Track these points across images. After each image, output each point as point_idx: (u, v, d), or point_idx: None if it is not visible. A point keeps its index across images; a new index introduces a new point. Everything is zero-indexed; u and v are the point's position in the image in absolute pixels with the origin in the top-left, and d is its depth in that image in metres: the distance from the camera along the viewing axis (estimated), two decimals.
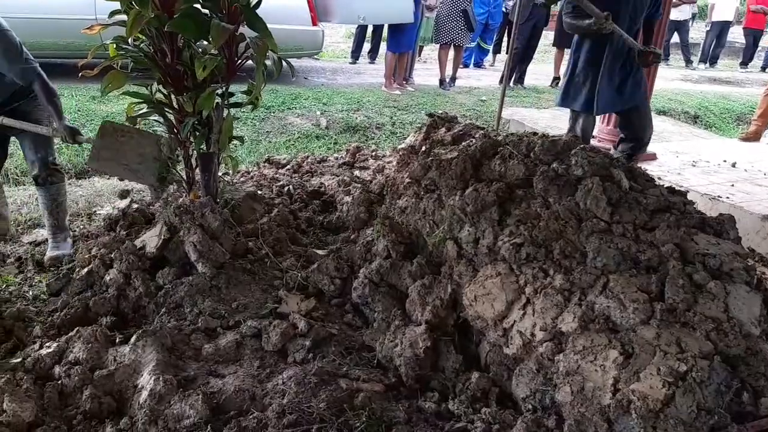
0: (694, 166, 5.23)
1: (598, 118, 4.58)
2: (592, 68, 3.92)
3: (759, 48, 15.21)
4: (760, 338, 1.94)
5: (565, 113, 6.82)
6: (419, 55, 11.94)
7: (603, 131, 5.49)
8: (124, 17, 2.66)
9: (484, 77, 10.74)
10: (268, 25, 2.72)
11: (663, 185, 2.65)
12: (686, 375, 1.76)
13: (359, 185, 3.76)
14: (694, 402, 1.72)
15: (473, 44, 11.55)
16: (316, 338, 2.40)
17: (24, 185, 4.42)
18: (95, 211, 3.94)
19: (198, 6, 2.72)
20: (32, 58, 3.02)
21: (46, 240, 3.37)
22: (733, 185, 4.62)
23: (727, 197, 4.28)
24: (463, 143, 3.04)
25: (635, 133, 4.17)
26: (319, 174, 4.47)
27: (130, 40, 2.84)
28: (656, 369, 1.79)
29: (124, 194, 3.40)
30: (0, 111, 3.15)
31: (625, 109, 4.09)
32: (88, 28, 3.06)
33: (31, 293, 2.87)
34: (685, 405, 1.72)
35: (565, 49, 9.83)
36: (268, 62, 2.79)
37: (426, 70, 10.48)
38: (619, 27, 3.67)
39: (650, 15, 4.00)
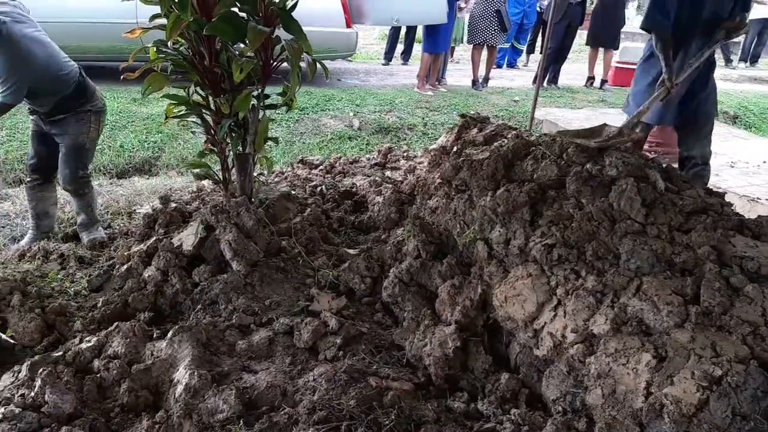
0: (733, 167, 5.11)
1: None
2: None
3: None
4: None
5: (599, 113, 6.70)
6: (452, 56, 11.92)
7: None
8: (163, 21, 2.73)
9: (518, 77, 10.66)
10: (303, 28, 2.77)
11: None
12: (721, 379, 1.73)
13: (390, 185, 3.78)
14: (729, 407, 1.69)
15: (507, 45, 11.48)
16: (346, 336, 2.43)
17: None
18: (135, 210, 4.05)
19: (235, 9, 2.78)
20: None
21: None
22: None
23: (767, 199, 4.16)
24: (495, 144, 3.04)
25: (700, 150, 3.77)
26: (351, 174, 4.51)
27: (169, 44, 2.91)
28: (690, 373, 1.76)
29: (164, 200, 3.49)
30: (47, 120, 3.33)
31: (689, 122, 3.71)
32: (129, 32, 3.16)
33: (72, 289, 2.97)
34: (719, 410, 1.69)
35: (600, 48, 9.73)
36: (302, 64, 2.84)
37: (458, 71, 10.45)
38: (697, 31, 3.41)
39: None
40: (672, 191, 2.42)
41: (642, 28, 3.55)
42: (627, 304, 2.04)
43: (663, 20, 3.40)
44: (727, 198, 2.60)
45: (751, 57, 14.10)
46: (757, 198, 4.20)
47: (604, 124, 3.01)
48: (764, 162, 5.29)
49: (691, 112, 3.63)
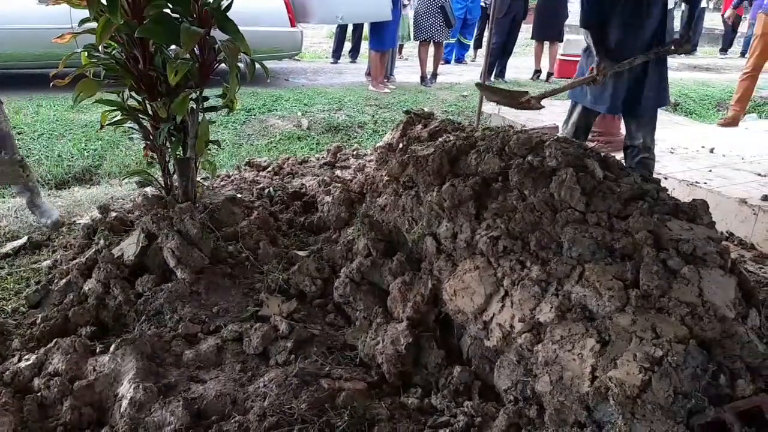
0: (673, 153, 5.27)
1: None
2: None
3: (738, 34, 15.35)
4: (735, 321, 1.96)
5: (546, 105, 6.83)
6: (400, 53, 11.96)
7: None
8: (94, 25, 2.64)
9: (466, 72, 10.76)
10: (246, 28, 2.71)
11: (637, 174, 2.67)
12: (662, 360, 1.78)
13: (339, 185, 3.76)
14: (670, 386, 1.74)
15: (453, 40, 11.59)
16: (297, 339, 2.39)
17: (3, 198, 4.37)
18: (74, 221, 3.90)
19: (168, 11, 2.70)
20: None
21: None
22: (711, 171, 4.67)
23: (705, 183, 4.32)
24: (440, 139, 3.05)
25: (642, 139, 3.77)
26: (300, 175, 4.46)
27: (100, 48, 2.81)
28: (632, 355, 1.81)
29: (103, 209, 3.38)
30: None
31: (634, 112, 3.75)
32: (59, 37, 3.04)
33: (9, 306, 2.84)
34: (662, 390, 1.74)
35: (545, 42, 9.93)
36: (240, 65, 2.78)
37: (407, 68, 10.49)
38: (635, 21, 3.46)
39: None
40: (610, 179, 2.48)
41: (581, 25, 3.63)
42: (570, 291, 2.07)
43: (592, 19, 3.54)
44: (667, 183, 2.69)
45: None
46: (696, 182, 4.34)
47: (526, 92, 3.29)
48: (703, 147, 5.48)
49: (636, 101, 3.68)
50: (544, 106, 3.37)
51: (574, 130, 3.89)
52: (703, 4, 14.06)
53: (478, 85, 3.32)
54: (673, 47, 3.50)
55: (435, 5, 8.67)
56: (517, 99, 3.40)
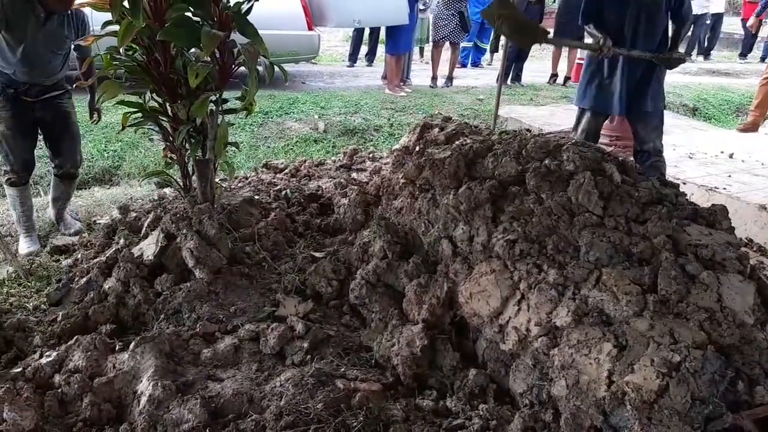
0: (691, 158, 5.22)
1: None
2: (610, 68, 3.76)
3: (758, 39, 15.17)
4: (754, 327, 1.94)
5: (562, 109, 6.82)
6: (421, 56, 11.97)
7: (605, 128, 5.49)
8: (116, 28, 2.68)
9: (482, 76, 10.75)
10: (264, 31, 2.75)
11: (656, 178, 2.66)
12: (680, 365, 1.77)
13: (356, 187, 3.78)
14: (688, 392, 1.73)
15: (470, 43, 11.60)
16: (313, 340, 2.41)
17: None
18: (95, 221, 3.97)
19: (189, 14, 2.74)
20: None
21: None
22: (730, 176, 4.62)
23: (724, 188, 4.28)
24: (457, 142, 3.06)
25: (652, 142, 3.83)
26: (316, 177, 4.49)
27: (122, 50, 2.86)
28: (650, 360, 1.80)
29: (123, 209, 3.45)
30: (36, 99, 3.47)
31: (638, 115, 3.82)
32: (81, 39, 3.10)
33: (31, 303, 2.89)
34: (679, 395, 1.72)
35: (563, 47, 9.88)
36: (260, 68, 2.81)
37: (424, 71, 10.50)
38: (629, 29, 3.59)
39: (674, 11, 3.70)
40: (628, 183, 2.47)
41: (580, 24, 3.80)
42: (588, 295, 2.07)
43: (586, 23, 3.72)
44: (686, 188, 2.67)
45: (705, 51, 14.49)
46: (715, 187, 4.30)
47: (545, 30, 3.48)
48: (722, 152, 5.42)
49: (641, 107, 3.76)
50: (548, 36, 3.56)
51: (584, 137, 3.90)
52: (721, 10, 13.93)
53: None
54: (664, 55, 3.63)
55: (453, 10, 8.71)
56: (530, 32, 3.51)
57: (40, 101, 3.51)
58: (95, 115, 3.76)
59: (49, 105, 3.55)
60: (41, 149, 3.96)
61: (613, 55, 3.58)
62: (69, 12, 3.33)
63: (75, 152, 3.75)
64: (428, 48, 11.73)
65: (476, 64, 12.23)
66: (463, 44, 11.25)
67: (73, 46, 3.43)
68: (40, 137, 3.69)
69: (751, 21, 12.39)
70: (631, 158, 3.37)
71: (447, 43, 9.23)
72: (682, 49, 3.74)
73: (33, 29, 3.23)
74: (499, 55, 11.83)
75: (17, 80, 3.38)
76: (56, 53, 3.41)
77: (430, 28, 9.36)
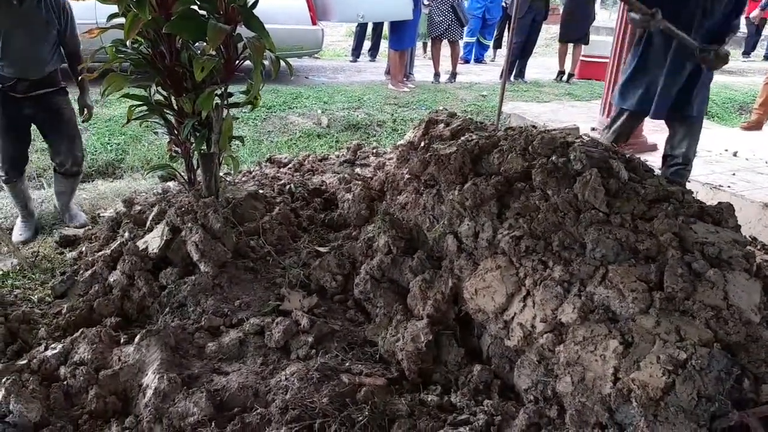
0: (696, 155, 5.20)
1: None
2: (655, 67, 3.48)
3: (761, 37, 15.13)
4: (760, 325, 1.94)
5: (566, 106, 6.80)
6: (424, 51, 11.95)
7: (603, 123, 5.47)
8: (122, 20, 2.68)
9: (485, 72, 10.73)
10: (268, 26, 2.74)
11: (660, 176, 2.66)
12: (686, 363, 1.77)
13: (360, 182, 3.77)
14: (694, 389, 1.73)
15: (473, 39, 11.58)
16: (318, 334, 2.41)
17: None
18: (99, 214, 3.97)
19: (195, 7, 2.73)
20: None
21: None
22: (734, 174, 4.61)
23: (729, 186, 4.27)
24: (462, 138, 3.05)
25: (685, 149, 3.60)
26: (320, 172, 4.49)
27: (128, 43, 2.85)
28: (656, 357, 1.80)
29: (128, 202, 3.45)
30: (26, 95, 3.44)
31: (680, 120, 3.58)
32: (87, 32, 3.09)
33: (36, 296, 2.89)
34: (685, 393, 1.73)
35: (569, 44, 9.88)
36: (265, 62, 2.81)
37: (427, 67, 10.48)
38: (678, 24, 3.25)
39: (727, 15, 3.39)
40: (634, 180, 2.46)
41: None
42: (593, 292, 2.07)
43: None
44: (691, 186, 2.66)
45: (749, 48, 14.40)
46: (720, 185, 4.30)
47: None
48: (726, 150, 5.41)
49: (684, 111, 3.52)
50: None
51: (615, 137, 3.75)
52: None
53: None
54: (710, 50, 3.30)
55: (446, 4, 8.69)
56: None
57: (30, 98, 3.47)
58: (85, 112, 3.73)
59: (40, 102, 3.52)
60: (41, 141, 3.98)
61: (663, 29, 3.23)
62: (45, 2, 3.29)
63: (74, 150, 3.71)
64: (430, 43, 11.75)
65: (479, 60, 12.21)
66: (465, 39, 11.25)
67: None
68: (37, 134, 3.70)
69: (754, 13, 12.30)
70: (638, 155, 3.33)
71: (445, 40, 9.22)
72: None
73: (8, 15, 3.21)
74: (503, 51, 11.84)
75: (2, 75, 3.35)
76: (40, 42, 3.35)
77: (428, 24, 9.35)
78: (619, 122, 3.78)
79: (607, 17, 17.96)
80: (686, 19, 3.30)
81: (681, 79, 3.44)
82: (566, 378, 1.95)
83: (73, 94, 3.74)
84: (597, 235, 2.21)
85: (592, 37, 10.45)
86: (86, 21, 6.10)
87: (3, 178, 3.63)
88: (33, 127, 3.67)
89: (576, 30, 9.69)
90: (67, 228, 3.76)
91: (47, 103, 3.55)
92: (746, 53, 14.52)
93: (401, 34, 8.28)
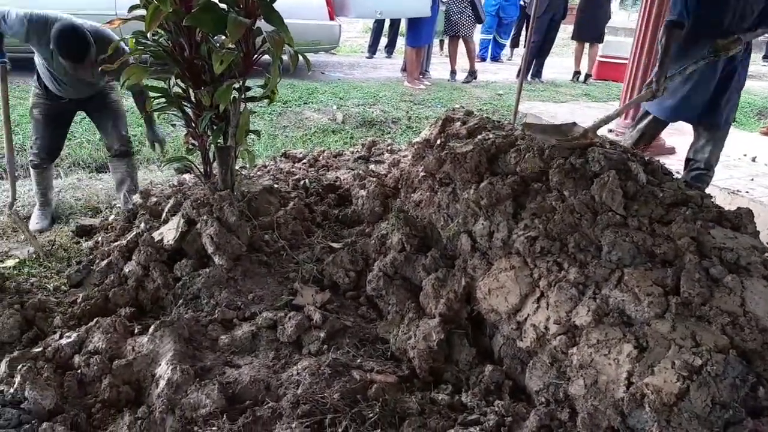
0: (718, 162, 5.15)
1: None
2: (678, 67, 3.33)
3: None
4: None
5: (583, 106, 6.75)
6: (441, 49, 11.95)
7: (621, 125, 5.44)
8: (143, 12, 2.69)
9: (501, 71, 10.69)
10: (286, 20, 2.74)
11: (681, 179, 2.63)
12: (701, 369, 1.75)
13: (374, 179, 3.77)
14: (708, 396, 1.71)
15: (489, 36, 11.54)
16: (330, 330, 2.42)
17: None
18: (115, 205, 4.00)
19: (216, 0, 2.74)
20: None
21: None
22: (753, 179, 4.56)
23: (747, 191, 4.22)
24: (479, 137, 3.04)
25: (708, 154, 3.59)
26: (334, 168, 4.49)
27: (148, 35, 2.87)
28: (671, 363, 1.79)
29: (144, 194, 3.48)
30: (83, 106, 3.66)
31: (708, 125, 3.53)
32: (108, 23, 3.11)
33: (51, 284, 2.93)
34: (699, 399, 1.71)
35: (586, 43, 9.81)
36: (284, 56, 2.81)
37: (443, 65, 10.45)
38: (718, 29, 3.24)
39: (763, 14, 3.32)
40: (653, 183, 2.44)
41: (668, 20, 3.35)
42: (609, 295, 2.05)
43: (684, 19, 3.27)
44: (709, 190, 2.63)
45: None
46: (738, 190, 4.25)
47: (573, 123, 3.08)
48: (745, 155, 5.35)
49: (714, 116, 3.45)
50: (599, 138, 3.04)
51: (639, 136, 3.70)
52: None
53: (525, 125, 3.16)
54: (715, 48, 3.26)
55: (465, 1, 8.66)
56: (567, 133, 3.06)
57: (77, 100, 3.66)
58: (157, 147, 3.78)
59: (87, 98, 3.68)
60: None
61: (685, 36, 3.23)
62: (95, 59, 3.28)
63: (119, 128, 3.79)
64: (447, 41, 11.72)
65: (495, 58, 12.16)
66: (482, 36, 11.21)
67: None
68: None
69: None
70: (656, 158, 3.30)
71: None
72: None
73: (66, 72, 3.35)
74: (520, 50, 11.79)
75: (56, 94, 3.54)
76: (88, 86, 3.55)
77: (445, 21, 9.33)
78: (643, 124, 3.73)
79: (626, 18, 17.79)
80: (727, 25, 3.26)
81: (714, 84, 3.37)
82: (579, 381, 1.94)
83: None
84: (613, 237, 2.19)
85: (611, 38, 10.38)
86: (106, 12, 6.18)
87: (34, 162, 3.71)
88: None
89: (590, 29, 9.62)
90: (83, 218, 3.80)
91: (93, 94, 3.68)
92: (766, 57, 14.33)
93: (418, 31, 8.27)
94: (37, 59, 3.47)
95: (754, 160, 5.24)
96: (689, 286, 1.97)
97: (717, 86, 3.39)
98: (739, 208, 2.38)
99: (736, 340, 1.84)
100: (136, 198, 3.52)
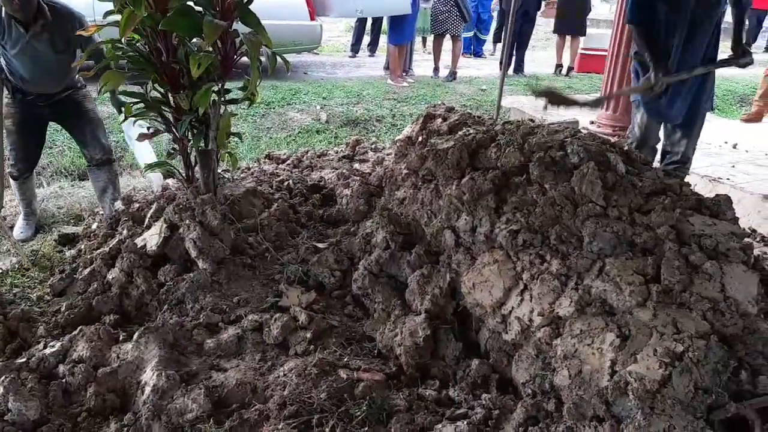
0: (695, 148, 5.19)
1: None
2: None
3: (763, 29, 15.06)
4: (757, 317, 1.94)
5: None
6: (424, 46, 11.95)
7: (602, 117, 5.47)
8: (118, 17, 2.67)
9: (485, 66, 10.72)
10: (265, 21, 2.73)
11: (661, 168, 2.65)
12: (683, 355, 1.77)
13: (358, 178, 3.77)
14: (691, 382, 1.73)
15: (470, 34, 11.61)
16: (316, 330, 2.42)
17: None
18: (97, 212, 3.97)
19: (191, 3, 2.73)
20: None
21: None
22: (734, 166, 4.61)
23: (728, 179, 4.27)
24: (460, 132, 3.04)
25: (685, 147, 3.54)
26: (319, 168, 4.48)
27: (123, 40, 2.85)
28: (653, 350, 1.80)
29: (126, 200, 3.46)
30: (50, 102, 3.54)
31: (687, 120, 3.47)
32: (83, 29, 3.09)
33: (35, 294, 2.90)
34: (682, 385, 1.73)
35: (567, 36, 9.86)
36: (262, 58, 2.80)
37: (426, 62, 10.46)
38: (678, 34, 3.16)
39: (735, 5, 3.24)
40: (632, 173, 2.46)
41: (626, 21, 3.30)
42: (591, 285, 2.07)
43: (646, 13, 3.19)
44: (689, 178, 2.65)
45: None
46: (719, 178, 4.29)
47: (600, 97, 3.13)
48: (726, 142, 5.41)
49: (694, 112, 3.44)
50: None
51: (641, 132, 3.56)
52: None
53: (544, 93, 3.04)
54: (732, 60, 3.21)
55: (450, 0, 8.70)
56: (580, 101, 3.12)
57: (49, 103, 3.57)
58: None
59: (58, 103, 3.60)
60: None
61: (667, 86, 3.12)
62: (51, 29, 3.30)
63: (99, 137, 3.74)
64: (430, 39, 11.74)
65: (479, 54, 12.19)
66: (463, 35, 11.25)
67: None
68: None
69: None
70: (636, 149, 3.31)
71: (448, 35, 9.20)
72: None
73: (17, 42, 3.29)
74: (501, 45, 11.83)
75: (23, 89, 3.46)
76: (48, 65, 3.42)
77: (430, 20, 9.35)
78: (638, 119, 3.58)
79: (607, 10, 17.89)
80: (701, 34, 3.22)
81: (691, 87, 3.35)
82: (563, 371, 1.95)
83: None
84: (594, 228, 2.20)
85: (592, 31, 10.43)
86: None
87: (13, 174, 3.67)
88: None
89: (571, 22, 9.69)
90: (66, 226, 3.77)
91: (65, 102, 3.62)
92: (747, 45, 14.44)
93: (401, 29, 8.29)
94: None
95: (735, 147, 5.30)
96: (669, 274, 1.98)
97: (698, 87, 3.38)
98: (717, 195, 2.40)
99: (716, 326, 1.86)
100: (119, 204, 3.50)
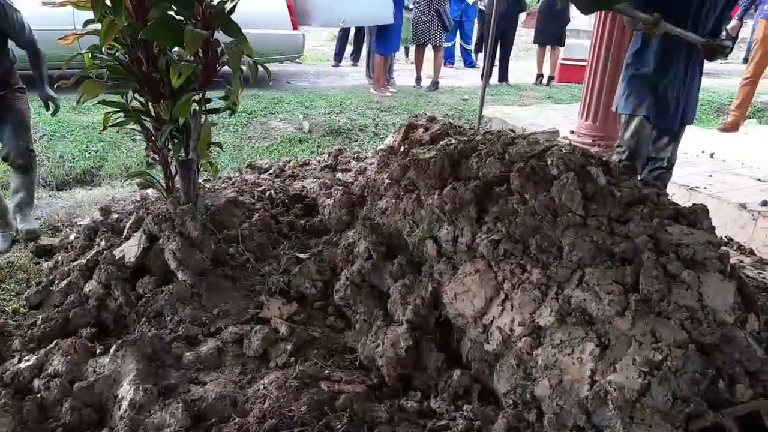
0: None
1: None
2: (668, 75, 3.31)
3: (739, 39, 15.34)
4: (734, 326, 1.97)
5: (547, 110, 6.81)
6: (406, 56, 12.01)
7: (582, 127, 5.51)
8: (98, 26, 2.65)
9: (468, 76, 10.79)
10: (247, 31, 2.72)
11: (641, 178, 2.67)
12: (661, 364, 1.78)
13: (341, 187, 3.76)
14: (669, 391, 1.74)
15: (450, 43, 11.69)
16: (297, 342, 2.40)
17: None
18: (75, 222, 3.92)
19: (172, 13, 2.71)
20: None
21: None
22: (711, 176, 4.67)
23: (705, 188, 4.32)
24: (441, 142, 3.05)
25: (670, 154, 3.54)
26: (301, 178, 4.47)
27: (104, 49, 2.82)
28: (632, 359, 1.81)
29: (104, 210, 3.42)
30: None
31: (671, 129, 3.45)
32: (62, 38, 3.05)
33: (10, 307, 2.85)
34: (660, 394, 1.74)
35: (547, 47, 9.98)
36: (243, 67, 2.79)
37: (409, 72, 10.51)
38: (685, 21, 3.15)
39: (721, 15, 3.35)
40: (611, 183, 2.48)
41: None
42: (571, 295, 2.08)
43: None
44: (668, 188, 2.68)
45: None
46: (696, 187, 4.35)
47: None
48: (703, 152, 5.48)
49: (685, 118, 3.45)
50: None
51: (635, 141, 3.44)
52: None
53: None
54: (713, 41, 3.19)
55: (431, 9, 8.74)
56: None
57: None
58: (51, 105, 3.73)
59: None
60: None
61: (665, 33, 3.10)
62: None
63: (17, 139, 3.60)
64: (413, 48, 11.80)
65: (471, 65, 12.25)
66: (444, 44, 11.33)
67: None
68: None
69: (732, 23, 12.48)
70: (614, 158, 3.34)
71: (430, 45, 9.25)
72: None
73: None
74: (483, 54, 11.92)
75: None
76: None
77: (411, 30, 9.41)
78: (632, 129, 3.44)
79: (587, 20, 18.09)
80: (695, 16, 3.22)
81: (694, 87, 3.36)
82: (544, 381, 1.95)
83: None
84: (574, 238, 2.22)
85: (572, 41, 10.56)
86: (63, 27, 6.05)
87: None
88: None
89: (550, 33, 9.81)
90: (43, 238, 3.70)
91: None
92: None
93: (388, 39, 8.33)
94: None
95: (712, 156, 5.37)
96: (648, 283, 2.00)
97: (692, 90, 3.42)
98: (694, 204, 2.43)
99: (694, 335, 1.88)
100: (96, 215, 3.44)
